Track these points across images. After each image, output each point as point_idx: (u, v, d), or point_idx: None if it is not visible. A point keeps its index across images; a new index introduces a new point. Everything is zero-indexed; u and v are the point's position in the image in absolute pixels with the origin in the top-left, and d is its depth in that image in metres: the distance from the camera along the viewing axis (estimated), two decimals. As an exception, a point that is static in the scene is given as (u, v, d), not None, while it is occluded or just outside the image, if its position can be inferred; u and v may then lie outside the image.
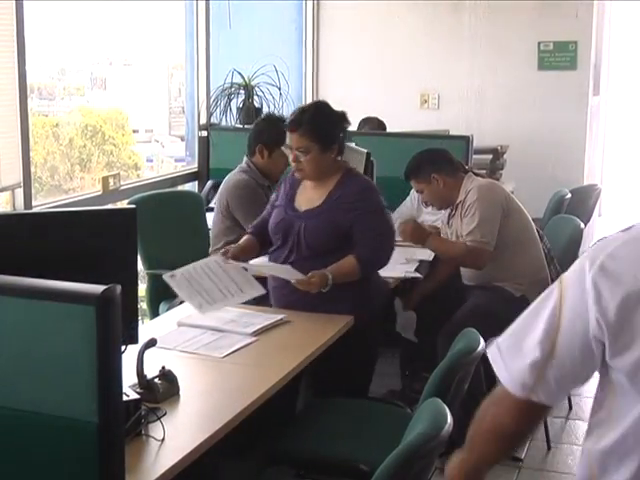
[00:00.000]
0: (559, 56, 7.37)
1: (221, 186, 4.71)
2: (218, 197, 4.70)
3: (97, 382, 1.85)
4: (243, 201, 4.54)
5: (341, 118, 3.74)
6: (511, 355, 1.72)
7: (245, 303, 3.56)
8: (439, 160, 4.59)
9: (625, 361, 1.58)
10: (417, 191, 4.75)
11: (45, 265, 2.18)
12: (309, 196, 3.73)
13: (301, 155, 3.62)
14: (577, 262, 1.68)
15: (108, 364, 1.86)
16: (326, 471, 3.09)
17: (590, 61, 7.44)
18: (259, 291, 3.53)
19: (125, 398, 2.28)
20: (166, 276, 3.42)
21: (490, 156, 6.85)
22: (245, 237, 3.85)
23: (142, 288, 4.56)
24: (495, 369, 1.75)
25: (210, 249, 4.65)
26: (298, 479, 3.07)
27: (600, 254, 1.63)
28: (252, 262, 3.74)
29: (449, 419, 2.33)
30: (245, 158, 4.72)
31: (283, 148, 3.74)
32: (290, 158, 3.68)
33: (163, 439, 2.36)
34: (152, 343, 2.73)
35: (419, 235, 4.44)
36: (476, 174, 4.67)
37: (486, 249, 4.36)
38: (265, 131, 4.65)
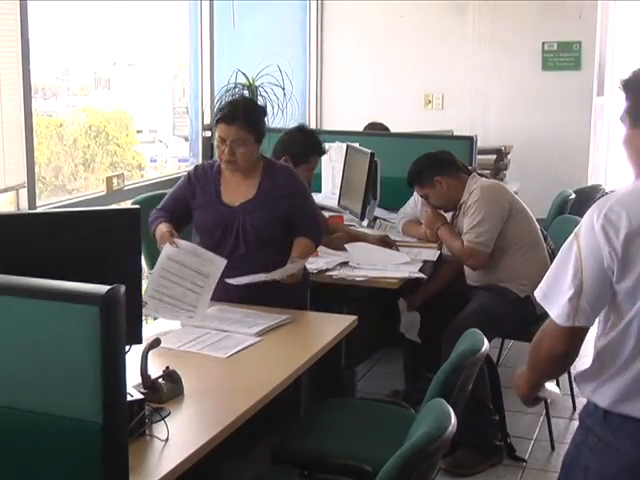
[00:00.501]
0: (563, 56, 7.37)
1: None
2: None
3: (101, 382, 1.85)
4: None
5: (265, 110, 4.07)
6: (554, 296, 2.29)
7: (247, 303, 3.56)
8: (441, 162, 4.59)
9: (626, 284, 2.20)
10: (421, 196, 4.74)
11: (49, 265, 2.18)
12: (238, 190, 3.81)
13: (237, 147, 3.71)
14: (585, 217, 2.25)
15: (112, 364, 1.86)
16: (330, 471, 3.09)
17: (594, 61, 7.44)
18: (220, 263, 3.54)
19: (129, 398, 2.28)
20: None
21: (494, 156, 6.85)
22: (166, 224, 3.77)
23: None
24: (546, 308, 2.32)
25: None
26: (302, 479, 3.07)
27: (603, 207, 2.22)
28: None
29: (453, 419, 2.33)
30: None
31: (216, 141, 3.76)
32: (219, 152, 3.73)
33: (167, 439, 2.36)
34: (156, 343, 2.73)
35: (436, 218, 4.64)
36: (480, 174, 4.67)
37: (480, 250, 4.36)
38: (297, 144, 4.63)
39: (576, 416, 4.85)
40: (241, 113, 3.73)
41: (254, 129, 3.76)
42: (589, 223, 2.23)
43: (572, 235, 2.27)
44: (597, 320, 2.34)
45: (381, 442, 3.04)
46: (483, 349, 2.98)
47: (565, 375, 5.09)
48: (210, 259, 3.54)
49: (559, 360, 2.38)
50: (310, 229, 3.87)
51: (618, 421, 2.28)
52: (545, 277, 2.37)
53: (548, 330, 2.34)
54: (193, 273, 3.49)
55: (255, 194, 3.79)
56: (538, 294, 2.37)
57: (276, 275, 3.59)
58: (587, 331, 2.31)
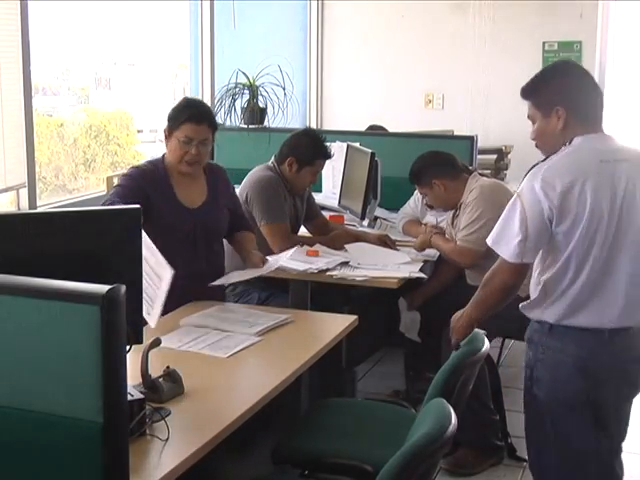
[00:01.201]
0: (564, 56, 7.36)
1: (244, 180, 4.72)
2: (239, 190, 4.71)
3: (102, 382, 1.85)
4: (263, 196, 4.55)
5: None
6: (504, 241, 2.91)
7: (245, 303, 3.57)
8: (439, 164, 4.60)
9: (562, 228, 2.83)
10: (421, 193, 4.77)
11: (49, 265, 2.18)
12: (191, 191, 3.86)
13: (202, 147, 3.77)
14: (525, 182, 2.88)
15: (113, 364, 1.86)
16: (330, 471, 3.09)
17: (595, 61, 7.44)
18: (168, 273, 3.23)
19: (130, 398, 2.28)
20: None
21: (495, 156, 6.86)
22: None
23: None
24: (498, 252, 2.94)
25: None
26: (302, 479, 3.07)
27: (539, 173, 2.85)
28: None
29: (453, 420, 2.33)
30: (272, 159, 4.72)
31: (178, 142, 3.75)
32: (182, 152, 3.74)
33: (167, 439, 2.36)
34: (157, 343, 2.73)
35: (422, 241, 4.66)
36: (481, 174, 4.68)
37: (471, 248, 4.36)
38: (302, 147, 4.64)
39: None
40: (207, 114, 3.83)
41: (214, 129, 3.85)
42: (529, 185, 2.85)
43: (515, 196, 2.90)
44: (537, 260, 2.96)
45: (382, 442, 3.04)
46: (483, 349, 2.98)
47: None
48: (162, 263, 3.23)
49: (509, 291, 3.01)
50: (247, 222, 4.14)
51: (562, 330, 2.93)
52: (494, 229, 2.96)
53: (500, 268, 2.97)
54: (150, 271, 3.28)
55: (207, 194, 3.88)
56: (489, 241, 2.97)
57: (266, 270, 3.79)
58: (529, 267, 2.96)
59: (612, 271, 2.88)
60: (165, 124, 3.83)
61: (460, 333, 3.17)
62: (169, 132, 3.80)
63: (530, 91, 3.16)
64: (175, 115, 3.79)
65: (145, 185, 3.75)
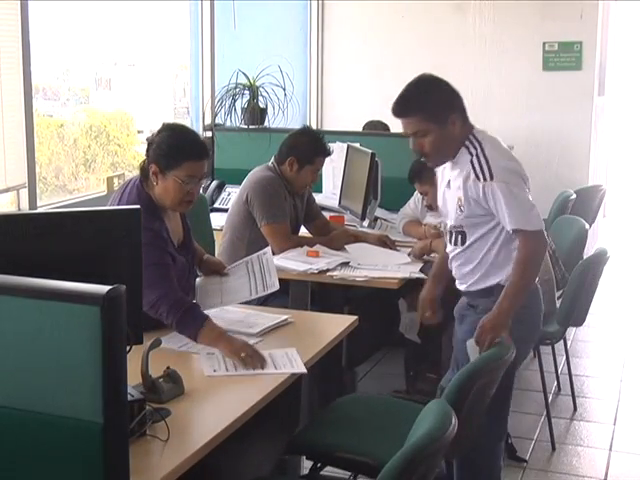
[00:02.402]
0: (564, 56, 7.37)
1: (244, 181, 4.73)
2: (239, 191, 4.72)
3: (102, 382, 1.85)
4: (264, 196, 4.56)
5: None
6: (527, 217, 3.22)
7: (246, 303, 3.57)
8: None
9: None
10: (421, 193, 4.76)
11: (49, 265, 2.18)
12: (174, 226, 3.43)
13: (198, 184, 3.35)
14: (492, 167, 3.20)
15: (113, 364, 1.86)
16: (341, 465, 3.12)
17: (595, 61, 7.44)
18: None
19: (130, 398, 2.28)
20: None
21: (495, 157, 6.84)
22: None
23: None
24: (528, 227, 3.21)
25: (221, 240, 4.70)
26: (314, 472, 3.10)
27: (496, 156, 3.27)
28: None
29: (454, 420, 2.33)
30: (272, 159, 4.72)
31: (176, 182, 3.25)
32: (183, 192, 3.27)
33: (168, 439, 2.35)
34: (157, 343, 2.73)
35: (422, 247, 4.62)
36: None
37: None
38: (301, 146, 4.64)
39: (577, 417, 4.86)
40: (204, 144, 3.38)
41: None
42: (503, 166, 3.23)
43: (501, 184, 3.15)
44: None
45: (395, 438, 3.02)
46: (508, 355, 2.94)
47: (566, 376, 5.10)
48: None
49: (543, 257, 3.30)
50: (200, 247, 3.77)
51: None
52: (510, 213, 3.16)
53: (531, 243, 3.18)
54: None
55: (183, 229, 3.50)
56: (513, 225, 3.16)
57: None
58: None
59: None
60: (153, 161, 3.29)
61: (501, 329, 3.16)
62: (163, 171, 3.26)
63: (412, 107, 3.30)
64: (171, 152, 3.27)
65: (159, 229, 3.33)
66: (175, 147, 3.28)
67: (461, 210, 3.26)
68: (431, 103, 3.25)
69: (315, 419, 3.34)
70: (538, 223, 3.22)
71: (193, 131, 3.51)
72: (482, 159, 3.21)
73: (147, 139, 3.42)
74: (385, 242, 4.77)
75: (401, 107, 3.29)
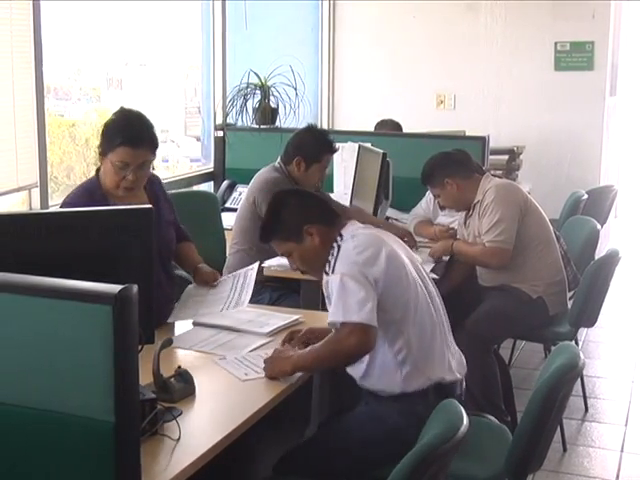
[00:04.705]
0: (576, 56, 7.35)
1: (251, 182, 4.71)
2: (246, 193, 4.71)
3: (114, 381, 1.85)
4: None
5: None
6: None
7: (256, 303, 3.56)
8: (452, 163, 4.57)
9: None
10: (434, 195, 4.74)
11: (61, 265, 2.18)
12: None
13: (140, 170, 3.31)
14: None
15: (125, 363, 1.87)
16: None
17: (607, 61, 7.41)
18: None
19: (141, 397, 2.28)
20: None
21: (506, 157, 6.84)
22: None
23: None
24: None
25: (229, 244, 4.69)
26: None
27: None
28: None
29: (465, 420, 2.32)
30: (278, 159, 4.71)
31: (112, 166, 3.28)
32: (118, 177, 3.27)
33: (179, 439, 2.36)
34: (168, 343, 2.73)
35: (444, 248, 4.62)
36: (492, 175, 4.66)
37: (505, 248, 4.35)
38: (308, 145, 4.63)
39: (588, 418, 4.85)
40: (146, 134, 3.32)
41: (156, 147, 3.38)
42: None
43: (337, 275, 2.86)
44: None
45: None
46: (580, 364, 2.83)
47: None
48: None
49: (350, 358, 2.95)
50: (185, 232, 3.73)
51: None
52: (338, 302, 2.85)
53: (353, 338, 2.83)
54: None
55: (151, 201, 3.42)
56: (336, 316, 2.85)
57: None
58: None
59: None
60: (99, 146, 3.34)
61: (289, 368, 2.88)
62: (102, 152, 3.31)
63: (269, 233, 3.18)
64: (109, 135, 3.29)
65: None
66: (113, 130, 3.29)
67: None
68: (281, 223, 3.12)
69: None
70: (363, 316, 2.81)
71: (141, 118, 3.37)
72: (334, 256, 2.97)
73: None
74: (402, 237, 4.71)
75: (265, 235, 3.18)
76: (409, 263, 3.06)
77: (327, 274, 2.95)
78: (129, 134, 3.27)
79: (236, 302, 3.39)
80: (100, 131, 3.38)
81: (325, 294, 2.99)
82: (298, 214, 3.10)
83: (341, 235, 3.01)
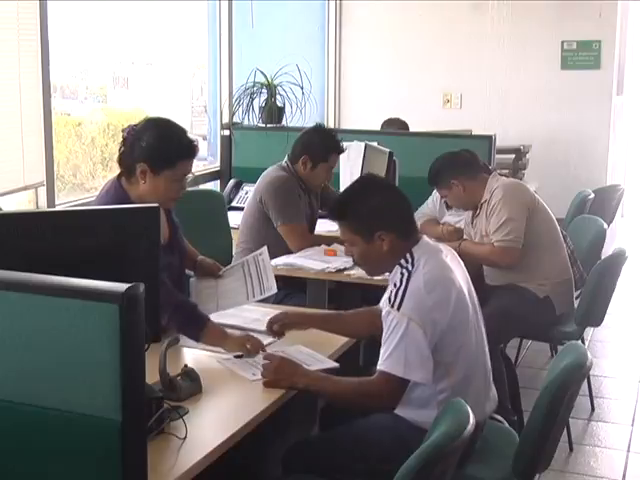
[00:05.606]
0: (583, 55, 7.34)
1: (258, 181, 4.72)
2: (253, 191, 4.72)
3: (120, 380, 1.85)
4: (278, 197, 4.55)
5: None
6: None
7: (262, 302, 3.56)
8: (459, 164, 4.56)
9: None
10: (441, 196, 4.74)
11: (68, 263, 2.19)
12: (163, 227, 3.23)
13: (185, 182, 3.24)
14: None
15: (131, 362, 1.87)
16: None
17: (614, 60, 7.41)
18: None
19: (148, 396, 2.28)
20: None
21: (513, 156, 6.84)
22: None
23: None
24: None
25: (236, 243, 4.69)
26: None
27: None
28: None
29: (472, 419, 2.32)
30: (286, 158, 4.71)
31: (168, 181, 3.16)
32: (174, 190, 3.19)
33: (185, 437, 2.36)
34: (175, 341, 2.73)
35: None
36: (499, 174, 4.66)
37: (514, 247, 4.34)
38: (314, 144, 4.64)
39: (594, 417, 4.84)
40: (193, 141, 3.24)
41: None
42: None
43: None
44: None
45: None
46: (588, 363, 2.79)
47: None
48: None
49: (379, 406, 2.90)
50: (189, 246, 3.64)
51: None
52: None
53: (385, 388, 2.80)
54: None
55: (170, 228, 3.38)
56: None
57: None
58: None
59: None
60: (142, 160, 3.14)
61: (296, 380, 2.83)
62: (155, 170, 3.14)
63: (344, 214, 3.01)
64: (165, 152, 3.14)
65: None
66: (169, 147, 3.15)
67: None
68: (356, 214, 2.93)
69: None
70: (423, 377, 2.76)
71: (181, 127, 3.29)
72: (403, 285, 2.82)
73: (126, 133, 3.22)
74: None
75: (335, 213, 3.01)
76: (467, 293, 2.92)
77: (392, 305, 2.79)
78: (188, 148, 3.19)
79: (261, 289, 3.38)
80: (134, 148, 3.17)
81: (383, 324, 2.83)
82: (377, 216, 2.90)
83: (412, 254, 2.87)
